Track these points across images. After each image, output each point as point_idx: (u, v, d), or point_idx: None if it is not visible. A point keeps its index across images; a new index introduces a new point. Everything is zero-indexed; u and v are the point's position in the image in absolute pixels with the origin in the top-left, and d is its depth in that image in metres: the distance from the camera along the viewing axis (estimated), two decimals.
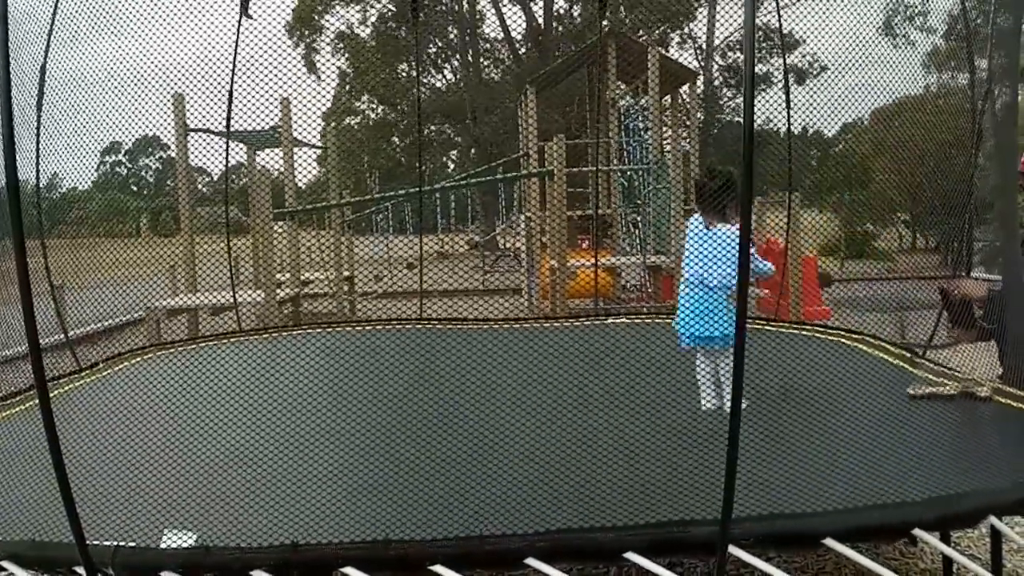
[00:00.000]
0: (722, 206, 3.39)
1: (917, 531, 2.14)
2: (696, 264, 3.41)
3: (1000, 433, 2.99)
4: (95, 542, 2.02)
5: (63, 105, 4.74)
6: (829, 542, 2.09)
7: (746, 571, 3.00)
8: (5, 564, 2.12)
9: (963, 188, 4.28)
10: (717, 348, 3.43)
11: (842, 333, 4.84)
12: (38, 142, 4.68)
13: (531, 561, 2.05)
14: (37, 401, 1.98)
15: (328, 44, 25.22)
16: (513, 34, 26.01)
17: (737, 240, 2.99)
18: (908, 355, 4.09)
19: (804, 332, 5.08)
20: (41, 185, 5.09)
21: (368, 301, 11.51)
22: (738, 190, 2.92)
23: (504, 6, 25.65)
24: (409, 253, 14.01)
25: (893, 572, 2.12)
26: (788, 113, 6.03)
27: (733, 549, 2.05)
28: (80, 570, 2.04)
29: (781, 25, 6.69)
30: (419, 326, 5.92)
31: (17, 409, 3.61)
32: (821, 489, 2.33)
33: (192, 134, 9.11)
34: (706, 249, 3.38)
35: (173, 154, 9.80)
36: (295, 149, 10.24)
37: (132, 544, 2.08)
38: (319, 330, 6.05)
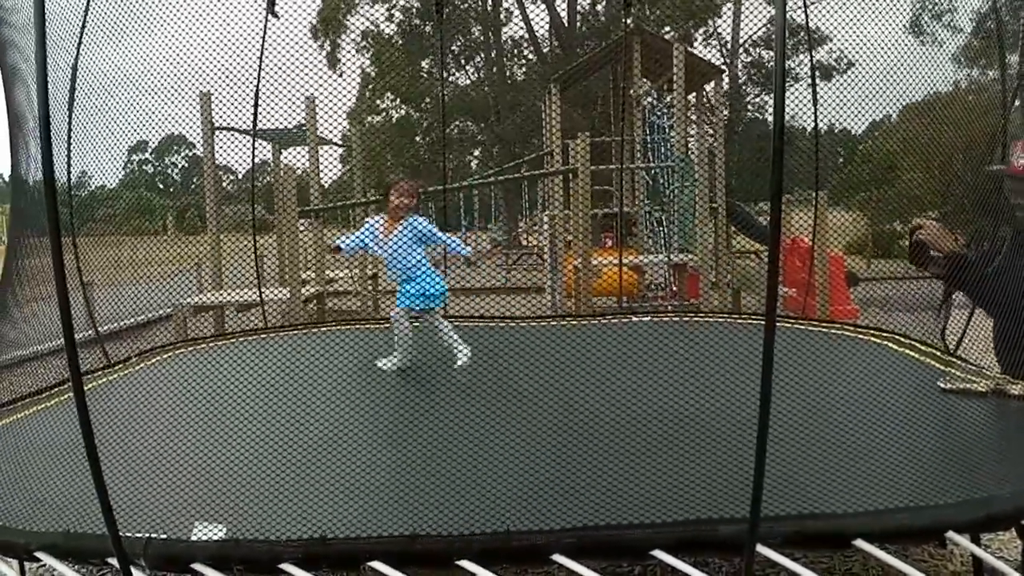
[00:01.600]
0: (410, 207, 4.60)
1: (950, 534, 2.11)
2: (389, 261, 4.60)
3: None
4: (128, 534, 2.05)
5: (92, 104, 4.81)
6: (859, 543, 2.06)
7: (772, 571, 2.98)
8: (40, 555, 2.16)
9: (993, 185, 4.22)
10: (433, 308, 4.64)
11: (871, 331, 4.79)
12: (69, 141, 4.75)
13: (558, 557, 2.05)
14: (69, 395, 2.00)
15: (353, 42, 25.33)
16: (537, 31, 25.99)
17: (417, 228, 4.53)
18: (939, 354, 4.04)
19: (832, 330, 5.03)
20: (71, 183, 5.16)
21: (392, 299, 11.55)
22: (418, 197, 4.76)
23: (528, 2, 25.65)
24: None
25: (922, 574, 2.09)
26: (815, 110, 5.97)
27: (761, 548, 2.03)
28: (113, 561, 2.06)
29: (808, 22, 6.64)
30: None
31: (50, 403, 3.67)
32: (851, 488, 2.31)
33: (218, 132, 9.20)
34: (402, 237, 4.52)
35: (199, 152, 9.89)
36: (320, 147, 10.31)
37: (164, 536, 2.11)
38: (344, 327, 6.09)
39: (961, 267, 3.34)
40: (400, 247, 4.54)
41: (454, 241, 5.09)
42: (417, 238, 4.58)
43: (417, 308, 4.56)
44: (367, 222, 4.82)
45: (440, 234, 4.82)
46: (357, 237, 4.76)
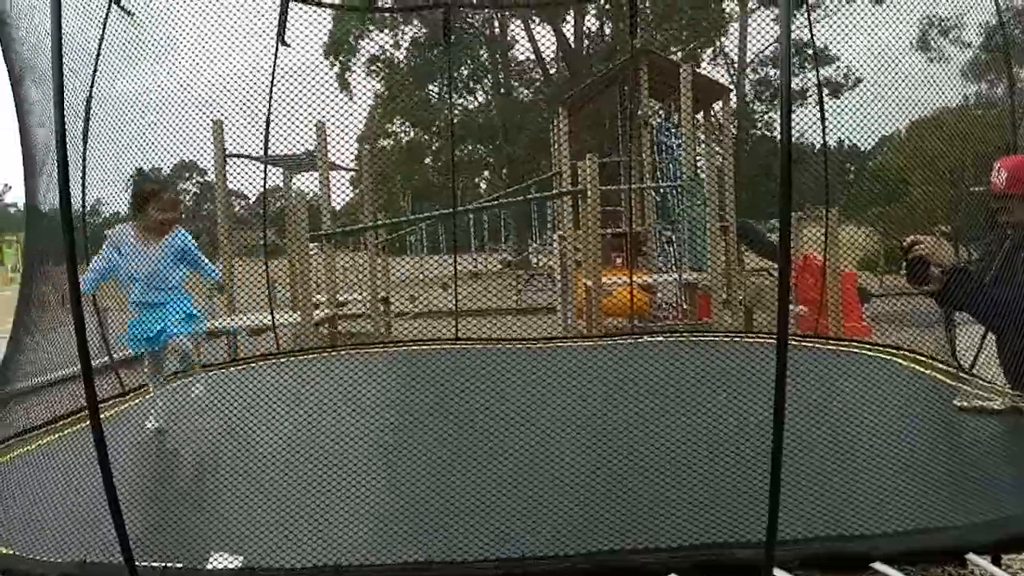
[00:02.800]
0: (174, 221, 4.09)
1: (970, 555, 2.08)
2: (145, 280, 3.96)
3: None
4: (143, 563, 2.05)
5: (106, 133, 4.86)
6: (878, 565, 2.04)
7: None
8: None
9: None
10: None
11: (885, 349, 4.76)
12: (84, 168, 4.81)
13: None
14: (85, 423, 2.02)
15: (362, 69, 25.58)
16: (544, 54, 26.17)
17: (183, 243, 3.99)
18: (954, 371, 4.01)
19: (846, 348, 5.00)
20: (85, 211, 5.22)
21: (404, 321, 11.58)
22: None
23: (535, 26, 25.84)
24: (443, 273, 14.10)
25: None
26: (823, 127, 5.98)
27: (778, 572, 2.01)
28: None
29: (813, 39, 6.67)
30: (455, 346, 5.94)
31: (66, 432, 3.69)
32: (869, 510, 2.29)
33: (230, 159, 9.29)
34: (152, 263, 3.96)
35: (211, 179, 9.99)
36: (330, 172, 10.38)
37: (180, 565, 2.11)
38: (356, 351, 6.10)
39: (963, 281, 3.31)
40: (163, 264, 4.01)
41: (207, 264, 4.41)
42: (181, 255, 4.11)
43: (175, 332, 3.98)
44: (109, 234, 4.11)
45: (200, 254, 4.29)
46: (102, 259, 4.05)
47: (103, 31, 4.60)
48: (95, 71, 4.63)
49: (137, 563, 2.02)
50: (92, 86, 4.68)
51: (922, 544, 2.11)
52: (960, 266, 3.35)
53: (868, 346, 4.99)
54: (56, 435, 3.68)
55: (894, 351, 4.68)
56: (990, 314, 3.40)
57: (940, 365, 4.18)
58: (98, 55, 4.63)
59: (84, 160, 4.82)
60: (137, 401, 4.47)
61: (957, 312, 3.78)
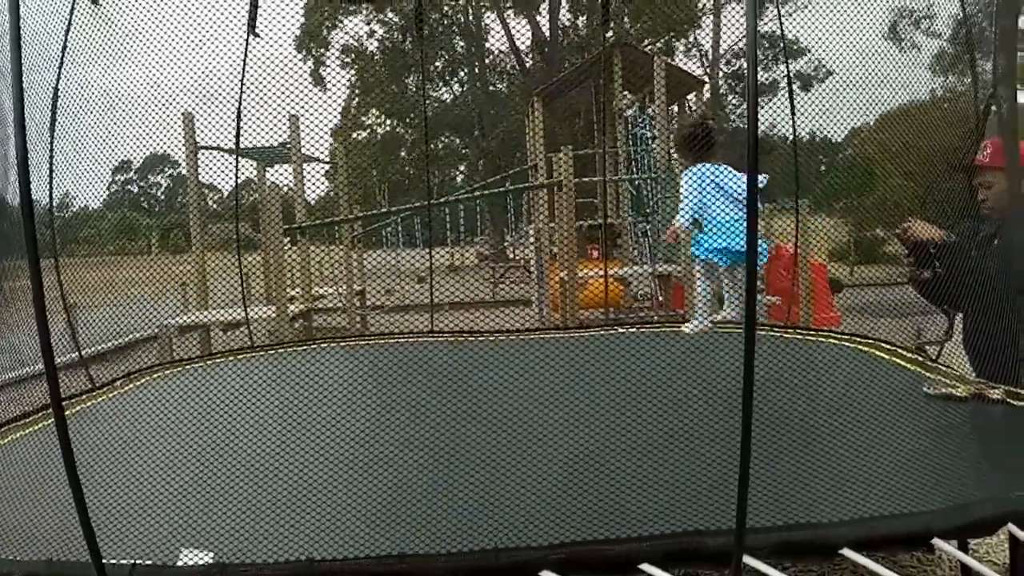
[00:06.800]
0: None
1: (936, 540, 2.12)
2: None
3: (1014, 437, 2.97)
4: (112, 561, 2.03)
5: (74, 125, 4.79)
6: (846, 552, 2.07)
7: None
8: None
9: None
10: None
11: (855, 339, 4.82)
12: (51, 162, 4.73)
13: (546, 574, 2.05)
14: (52, 420, 1.99)
15: (335, 60, 25.39)
16: (519, 46, 26.15)
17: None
18: (921, 359, 4.07)
19: (817, 338, 5.05)
20: (53, 205, 5.14)
21: (379, 315, 11.55)
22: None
23: (509, 18, 25.80)
24: (419, 266, 14.09)
25: None
26: (793, 119, 6.03)
27: (748, 559, 2.04)
28: None
29: (783, 32, 6.71)
30: (430, 339, 5.93)
31: (32, 429, 3.63)
32: (837, 497, 2.32)
33: (202, 152, 9.20)
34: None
35: (183, 171, 9.89)
36: (304, 165, 10.31)
37: (149, 562, 2.09)
38: (331, 345, 6.07)
39: (954, 253, 3.44)
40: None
41: None
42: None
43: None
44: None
45: None
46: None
47: (69, 21, 4.53)
48: (62, 59, 4.55)
49: (105, 561, 2.00)
50: (59, 76, 4.60)
51: (889, 530, 2.14)
52: (952, 240, 3.48)
53: (837, 335, 5.04)
54: (22, 432, 3.63)
55: (862, 340, 4.73)
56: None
57: (907, 354, 4.24)
58: (64, 44, 4.56)
59: (52, 152, 4.74)
60: (110, 395, 4.42)
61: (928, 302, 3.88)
